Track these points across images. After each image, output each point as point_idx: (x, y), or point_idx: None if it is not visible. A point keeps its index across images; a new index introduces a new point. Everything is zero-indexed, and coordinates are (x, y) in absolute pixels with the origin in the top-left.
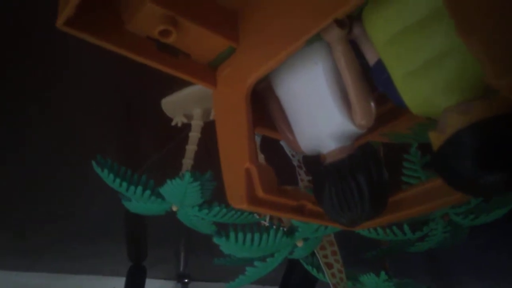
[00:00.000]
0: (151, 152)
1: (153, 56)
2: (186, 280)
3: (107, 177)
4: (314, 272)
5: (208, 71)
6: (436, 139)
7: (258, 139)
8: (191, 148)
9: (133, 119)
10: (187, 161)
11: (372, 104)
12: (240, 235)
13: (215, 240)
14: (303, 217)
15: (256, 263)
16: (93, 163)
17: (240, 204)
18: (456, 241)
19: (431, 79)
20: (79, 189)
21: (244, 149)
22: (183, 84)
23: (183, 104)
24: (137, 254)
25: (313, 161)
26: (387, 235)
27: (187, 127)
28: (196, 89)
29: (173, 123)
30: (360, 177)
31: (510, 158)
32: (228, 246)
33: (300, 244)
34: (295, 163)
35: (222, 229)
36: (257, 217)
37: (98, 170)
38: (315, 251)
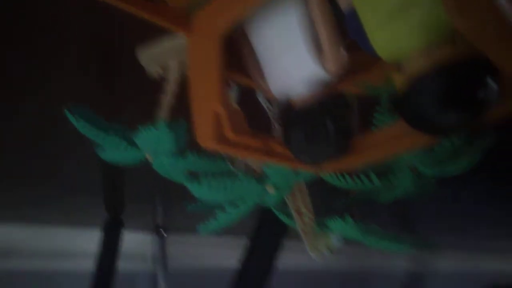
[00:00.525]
0: (127, 101)
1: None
2: (163, 232)
3: (81, 125)
4: (285, 219)
5: (184, 18)
6: (400, 80)
7: (234, 91)
8: (166, 99)
9: (110, 68)
10: (162, 112)
11: (343, 51)
12: (213, 181)
13: (188, 185)
14: (271, 157)
15: (227, 208)
16: (66, 111)
17: (208, 143)
18: (423, 191)
19: (399, 25)
20: (55, 141)
21: (214, 92)
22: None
23: (160, 56)
24: (114, 206)
25: (284, 108)
26: (356, 184)
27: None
28: (173, 42)
29: (149, 74)
30: (327, 120)
31: (467, 98)
32: (201, 191)
33: (271, 191)
34: (271, 115)
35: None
36: (230, 166)
37: (71, 118)
38: (286, 199)
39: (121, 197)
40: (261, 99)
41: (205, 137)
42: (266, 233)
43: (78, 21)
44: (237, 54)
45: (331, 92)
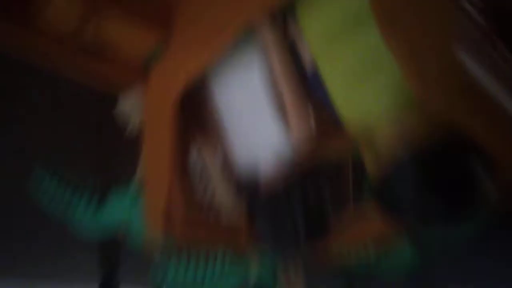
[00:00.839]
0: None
1: (69, 55)
2: None
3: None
4: None
5: (138, 71)
6: (370, 160)
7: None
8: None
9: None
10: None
11: (311, 117)
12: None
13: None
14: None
15: None
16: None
17: (157, 230)
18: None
19: (362, 89)
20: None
21: (166, 169)
22: None
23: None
24: (110, 264)
25: (249, 187)
26: (355, 260)
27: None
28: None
29: (127, 129)
30: (296, 212)
31: (448, 187)
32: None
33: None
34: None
35: None
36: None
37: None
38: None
39: (117, 254)
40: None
41: (154, 226)
42: None
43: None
44: (198, 114)
45: (303, 165)
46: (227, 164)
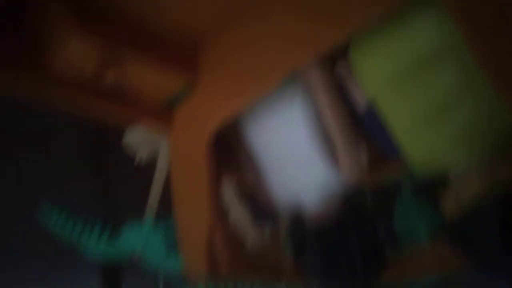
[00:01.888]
0: (117, 188)
1: (90, 101)
2: None
3: (55, 226)
4: None
5: (162, 114)
6: (450, 202)
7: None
8: (155, 190)
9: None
10: (152, 204)
11: (361, 155)
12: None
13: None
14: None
15: None
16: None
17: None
18: None
19: (435, 133)
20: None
21: (205, 211)
22: None
23: (149, 141)
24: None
25: (295, 224)
26: None
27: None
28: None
29: (136, 160)
30: (350, 244)
31: None
32: None
33: None
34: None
35: None
36: None
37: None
38: None
39: (119, 279)
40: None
41: (197, 277)
42: None
43: None
44: (232, 153)
45: (351, 204)
46: (264, 203)
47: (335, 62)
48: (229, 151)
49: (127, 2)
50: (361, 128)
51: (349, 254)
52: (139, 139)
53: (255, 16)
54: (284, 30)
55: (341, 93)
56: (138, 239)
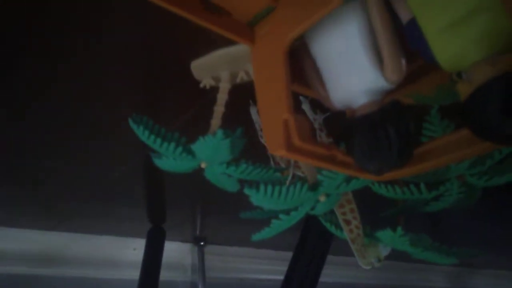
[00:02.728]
0: (178, 113)
1: (197, 13)
2: (202, 243)
3: (142, 133)
4: (332, 228)
5: (247, 30)
6: (463, 88)
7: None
8: (218, 109)
9: (161, 79)
10: (215, 121)
11: (403, 60)
12: (269, 188)
13: (246, 191)
14: (334, 165)
15: (281, 215)
16: (130, 120)
17: (279, 151)
18: (470, 202)
19: (462, 34)
20: (101, 152)
21: (282, 101)
22: (210, 45)
23: (212, 67)
24: (157, 216)
25: (338, 119)
26: (404, 194)
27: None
28: (224, 52)
29: (201, 85)
30: (389, 127)
31: None
32: (257, 197)
33: (322, 199)
34: (316, 125)
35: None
36: (280, 175)
37: (134, 126)
38: (334, 209)
39: (163, 207)
40: (306, 109)
41: (276, 145)
42: (311, 244)
43: (126, 29)
44: (298, 64)
45: (390, 100)
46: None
47: None
48: (298, 63)
49: None
50: (402, 38)
51: (388, 140)
52: (203, 68)
53: None
54: None
55: (389, 6)
56: (209, 149)
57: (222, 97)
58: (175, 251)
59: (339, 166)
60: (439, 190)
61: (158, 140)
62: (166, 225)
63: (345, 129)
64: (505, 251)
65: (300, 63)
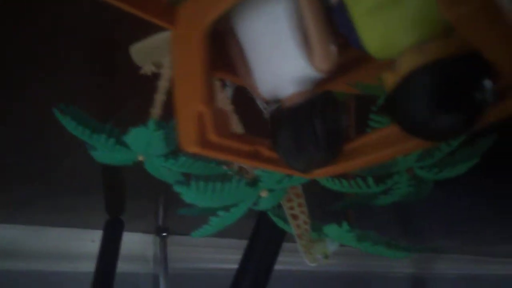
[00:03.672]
0: (127, 100)
1: None
2: (164, 234)
3: (69, 124)
4: (280, 223)
5: (168, 10)
6: (389, 79)
7: (230, 90)
8: (159, 97)
9: (108, 67)
10: (155, 111)
11: (333, 47)
12: (202, 184)
13: (176, 188)
14: (258, 162)
15: (219, 212)
16: (55, 110)
17: (191, 147)
18: (420, 195)
19: (389, 18)
20: (55, 140)
21: (198, 90)
22: (152, 29)
23: (152, 52)
24: (114, 207)
25: (275, 110)
26: (352, 187)
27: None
28: (165, 36)
29: (142, 72)
30: (315, 121)
31: (462, 99)
32: (189, 194)
33: (264, 194)
34: (267, 116)
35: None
36: (224, 168)
37: (60, 117)
38: (282, 202)
39: (121, 197)
40: (257, 99)
41: (188, 141)
42: (264, 234)
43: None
44: (225, 50)
45: (320, 91)
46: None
47: None
48: (223, 47)
49: None
50: (332, 21)
51: (315, 135)
52: (143, 53)
53: None
54: None
55: None
56: (142, 141)
57: (163, 85)
58: (137, 243)
59: (264, 163)
60: (387, 184)
61: (87, 131)
62: (127, 216)
63: (271, 123)
64: (469, 236)
65: (228, 48)
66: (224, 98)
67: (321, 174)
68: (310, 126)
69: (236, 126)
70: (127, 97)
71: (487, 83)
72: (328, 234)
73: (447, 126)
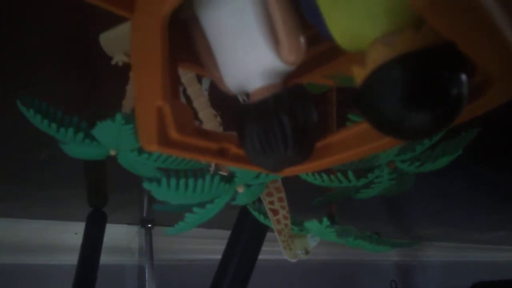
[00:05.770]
0: (103, 93)
1: None
2: (149, 225)
3: (34, 117)
4: (261, 218)
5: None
6: (358, 74)
7: (206, 83)
8: (131, 88)
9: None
10: (127, 103)
11: (302, 38)
12: (173, 181)
13: (145, 185)
14: (225, 160)
15: (195, 209)
16: (18, 102)
17: (150, 145)
18: (402, 188)
19: (354, 7)
20: (35, 135)
21: (157, 84)
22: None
23: (124, 41)
24: (97, 199)
25: (241, 107)
26: (332, 182)
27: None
28: None
29: (112, 62)
30: (283, 118)
31: (435, 95)
32: (160, 192)
33: (241, 190)
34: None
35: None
36: (202, 163)
37: (23, 109)
38: (262, 197)
39: (104, 189)
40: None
41: (147, 139)
42: (247, 225)
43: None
44: (190, 40)
45: (290, 85)
46: (214, 86)
47: None
48: (187, 36)
49: None
50: (300, 12)
51: (282, 132)
52: (113, 42)
53: None
54: None
55: None
56: (111, 135)
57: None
58: (122, 234)
59: (232, 161)
60: (368, 178)
61: (54, 125)
62: (111, 207)
63: (237, 119)
64: (453, 224)
65: (192, 39)
66: (198, 90)
67: (294, 172)
68: (278, 122)
69: (210, 119)
70: (103, 90)
71: (462, 77)
72: (309, 230)
73: (418, 124)
